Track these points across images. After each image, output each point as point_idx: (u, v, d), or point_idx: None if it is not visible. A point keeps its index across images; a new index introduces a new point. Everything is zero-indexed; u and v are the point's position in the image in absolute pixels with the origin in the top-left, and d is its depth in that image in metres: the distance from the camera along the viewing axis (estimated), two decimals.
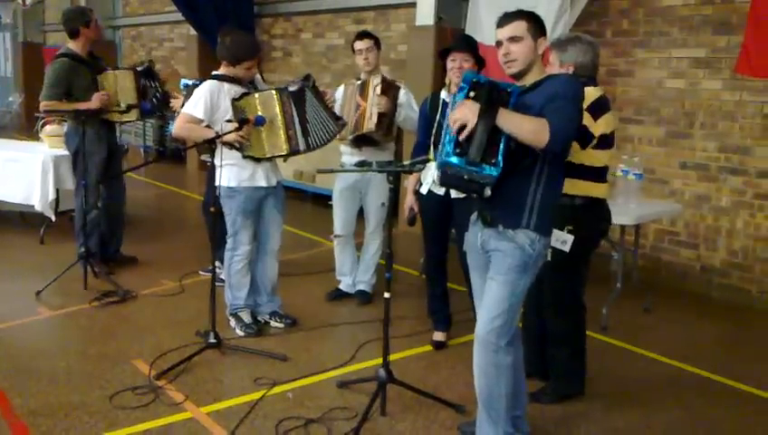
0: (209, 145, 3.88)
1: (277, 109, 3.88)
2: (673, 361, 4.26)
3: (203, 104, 3.98)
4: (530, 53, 2.78)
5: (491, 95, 2.65)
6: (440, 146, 2.77)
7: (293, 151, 3.94)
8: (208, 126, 3.97)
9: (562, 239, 3.37)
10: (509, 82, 2.73)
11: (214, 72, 4.17)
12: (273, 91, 3.91)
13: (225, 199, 4.14)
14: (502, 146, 2.63)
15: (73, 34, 5.26)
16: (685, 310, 5.29)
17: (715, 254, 5.67)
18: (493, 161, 2.63)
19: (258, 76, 4.40)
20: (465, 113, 2.61)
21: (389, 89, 4.57)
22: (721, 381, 4.02)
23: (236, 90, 4.00)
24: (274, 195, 4.23)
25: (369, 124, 4.52)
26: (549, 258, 2.93)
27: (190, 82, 5.16)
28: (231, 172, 4.09)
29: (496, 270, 2.85)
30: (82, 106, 5.14)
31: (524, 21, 2.79)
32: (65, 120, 6.63)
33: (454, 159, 2.66)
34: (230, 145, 3.94)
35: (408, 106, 4.69)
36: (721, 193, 5.60)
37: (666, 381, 4.00)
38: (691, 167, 5.76)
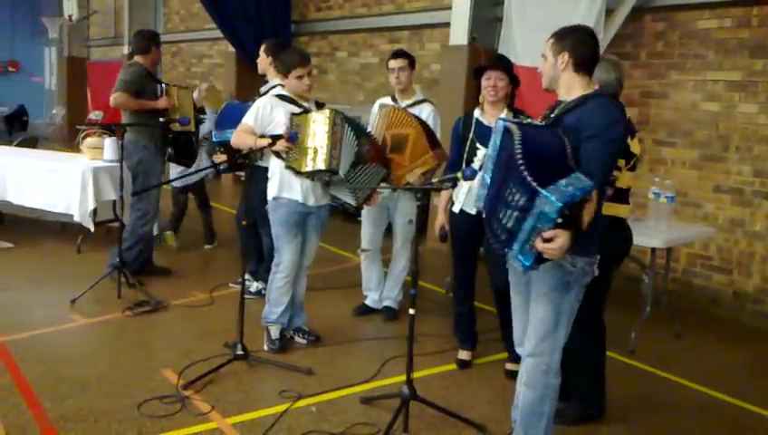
0: (237, 158, 4.01)
1: (327, 128, 3.95)
2: (702, 387, 4.20)
3: (254, 115, 4.17)
4: (550, 70, 2.86)
5: (574, 215, 2.50)
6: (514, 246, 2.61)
7: (332, 170, 3.97)
8: (263, 137, 4.07)
9: None
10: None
11: (278, 92, 4.33)
12: (328, 111, 4.01)
13: (270, 212, 4.25)
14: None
15: (145, 51, 5.58)
16: (716, 336, 5.20)
17: (749, 280, 5.57)
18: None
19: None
20: (559, 251, 2.49)
21: (429, 173, 4.52)
22: (751, 409, 3.94)
23: (296, 109, 4.14)
24: (317, 215, 4.26)
25: (400, 178, 4.48)
26: (596, 274, 2.91)
27: (224, 138, 4.94)
28: (273, 183, 4.19)
29: (538, 290, 2.87)
30: (150, 105, 5.39)
31: (552, 39, 2.87)
32: (106, 134, 6.85)
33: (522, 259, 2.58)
34: (278, 154, 4.09)
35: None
36: (755, 218, 5.52)
37: (693, 408, 3.94)
38: (725, 191, 5.69)
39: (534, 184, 2.41)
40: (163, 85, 5.62)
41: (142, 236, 5.55)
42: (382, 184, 4.72)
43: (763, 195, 5.46)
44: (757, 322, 5.47)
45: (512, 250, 2.58)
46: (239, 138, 4.15)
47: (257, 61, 5.32)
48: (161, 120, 5.44)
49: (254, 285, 5.38)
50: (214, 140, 5.26)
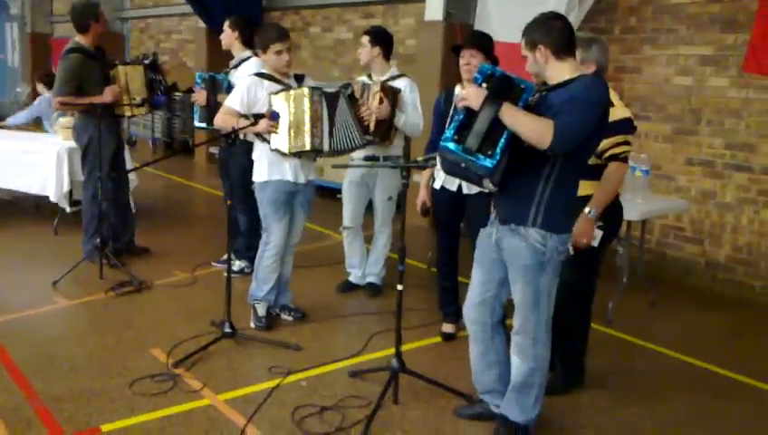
0: (226, 138, 4.00)
1: (306, 107, 3.96)
2: (677, 354, 4.35)
3: (239, 97, 4.14)
4: (533, 67, 2.90)
5: (501, 87, 2.73)
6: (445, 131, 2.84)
7: (316, 149, 4.02)
8: (246, 117, 4.06)
9: (593, 235, 3.44)
10: (526, 79, 2.81)
11: (257, 70, 4.33)
12: (306, 89, 4.00)
13: (258, 193, 4.27)
14: (503, 140, 2.69)
15: (83, 29, 5.29)
16: (689, 304, 5.38)
17: (720, 249, 5.75)
18: (489, 153, 2.68)
19: (310, 80, 4.42)
20: (470, 96, 2.71)
21: (388, 95, 4.60)
22: (724, 373, 4.11)
23: (276, 86, 4.12)
24: (303, 193, 4.29)
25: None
26: (572, 253, 2.99)
27: (206, 75, 5.23)
28: (261, 166, 4.21)
29: (515, 272, 2.95)
30: (96, 100, 5.19)
31: (523, 38, 2.89)
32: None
33: (451, 145, 2.73)
34: (260, 137, 4.10)
35: (412, 105, 4.75)
36: (726, 189, 5.68)
37: (670, 374, 4.09)
38: (697, 163, 5.84)
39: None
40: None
41: (105, 214, 5.38)
42: (360, 160, 4.78)
43: (734, 167, 5.62)
44: (728, 290, 5.66)
45: (445, 136, 2.76)
46: (223, 120, 4.15)
47: (221, 37, 5.30)
48: (140, 99, 5.38)
49: (237, 264, 5.40)
50: (198, 75, 5.28)
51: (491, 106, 2.67)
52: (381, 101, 4.54)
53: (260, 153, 4.22)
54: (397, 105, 4.67)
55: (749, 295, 5.54)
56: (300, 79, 4.31)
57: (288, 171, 4.16)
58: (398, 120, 4.68)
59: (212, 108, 5.03)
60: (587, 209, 3.35)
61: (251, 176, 4.34)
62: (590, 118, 2.72)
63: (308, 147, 4.00)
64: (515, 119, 2.67)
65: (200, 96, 5.17)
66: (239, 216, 5.25)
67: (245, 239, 5.37)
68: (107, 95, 5.23)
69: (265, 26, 4.42)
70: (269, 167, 4.17)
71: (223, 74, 5.22)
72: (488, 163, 2.69)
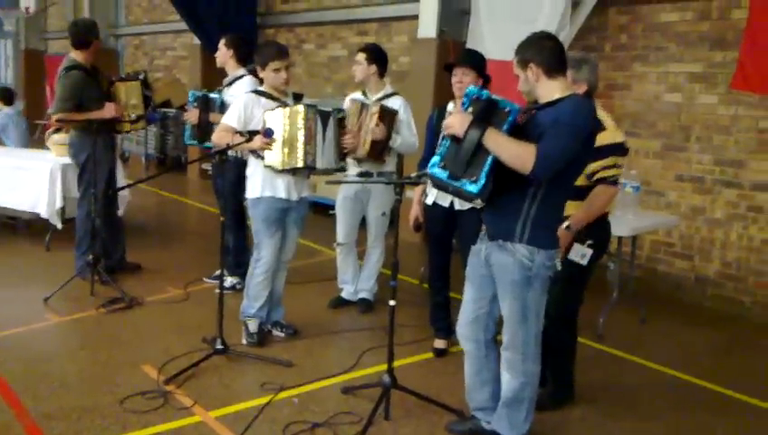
0: (220, 155, 4.03)
1: (301, 124, 3.99)
2: (668, 369, 4.36)
3: (237, 114, 4.17)
4: (525, 86, 2.93)
5: (485, 112, 2.77)
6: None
7: (309, 166, 4.04)
8: (241, 134, 4.09)
9: (582, 253, 3.46)
10: (511, 102, 2.84)
11: (254, 88, 4.39)
12: (301, 107, 4.02)
13: (251, 209, 4.29)
14: (488, 164, 2.73)
15: (83, 46, 5.31)
16: (679, 320, 5.40)
17: (709, 265, 5.78)
18: (474, 178, 2.73)
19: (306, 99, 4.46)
20: (455, 123, 2.77)
21: (385, 118, 4.64)
22: (714, 389, 4.12)
23: (272, 104, 4.15)
24: (296, 210, 4.31)
25: (361, 151, 4.62)
26: (559, 268, 3.02)
27: (199, 94, 5.27)
28: (254, 183, 4.22)
29: (503, 287, 2.98)
30: (95, 115, 5.21)
31: (516, 57, 2.93)
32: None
33: (437, 172, 2.80)
34: (255, 153, 4.12)
35: (407, 125, 4.80)
36: (715, 205, 5.72)
37: (660, 389, 4.10)
38: (687, 179, 5.89)
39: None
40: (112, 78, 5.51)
41: (97, 231, 5.37)
42: (354, 176, 4.81)
43: (723, 183, 5.67)
44: (718, 305, 5.69)
45: (432, 162, 2.83)
46: (219, 137, 4.17)
47: (216, 54, 5.34)
48: (135, 115, 5.41)
49: (229, 280, 5.40)
50: (191, 93, 5.34)
51: (475, 131, 2.72)
52: (378, 124, 4.57)
53: (254, 169, 4.23)
54: (393, 127, 4.70)
55: (738, 311, 5.57)
56: (298, 98, 4.34)
57: (281, 188, 4.18)
58: (393, 141, 4.72)
59: (203, 127, 5.07)
60: (565, 224, 3.34)
61: (242, 193, 4.36)
62: (574, 142, 2.74)
63: (300, 164, 4.02)
64: (498, 145, 2.72)
65: (192, 115, 5.20)
66: (227, 232, 5.25)
67: (234, 256, 5.38)
68: (108, 111, 5.25)
69: (265, 44, 4.47)
70: (262, 183, 4.18)
71: (216, 92, 5.26)
72: (473, 188, 2.75)
